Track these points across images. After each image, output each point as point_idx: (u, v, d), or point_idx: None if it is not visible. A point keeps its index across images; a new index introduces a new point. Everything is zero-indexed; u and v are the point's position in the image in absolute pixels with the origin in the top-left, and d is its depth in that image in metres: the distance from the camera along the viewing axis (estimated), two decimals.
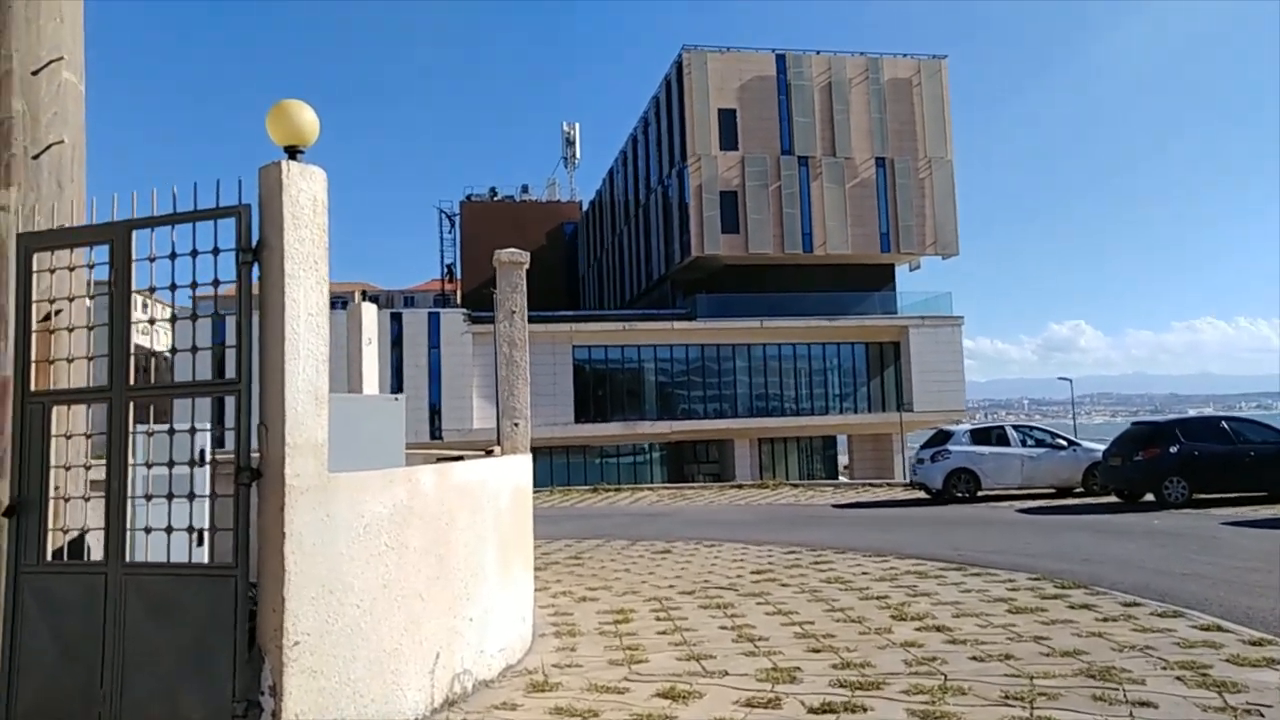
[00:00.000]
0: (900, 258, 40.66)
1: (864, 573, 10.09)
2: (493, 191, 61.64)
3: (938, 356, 39.39)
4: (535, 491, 24.56)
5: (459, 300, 52.72)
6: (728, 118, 38.58)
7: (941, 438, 18.78)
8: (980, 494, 18.05)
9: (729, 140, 38.53)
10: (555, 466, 38.85)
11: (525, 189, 63.14)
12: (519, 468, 6.98)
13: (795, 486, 24.07)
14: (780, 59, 39.22)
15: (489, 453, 7.98)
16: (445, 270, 59.40)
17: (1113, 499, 17.05)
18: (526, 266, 7.79)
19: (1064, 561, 10.42)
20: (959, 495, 17.93)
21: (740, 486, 24.45)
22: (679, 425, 38.82)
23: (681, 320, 38.67)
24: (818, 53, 39.54)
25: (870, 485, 23.49)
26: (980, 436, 18.39)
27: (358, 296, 57.76)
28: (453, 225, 59.58)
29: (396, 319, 37.38)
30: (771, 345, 39.65)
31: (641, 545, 13.43)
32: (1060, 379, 48.37)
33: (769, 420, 39.42)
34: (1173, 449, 15.22)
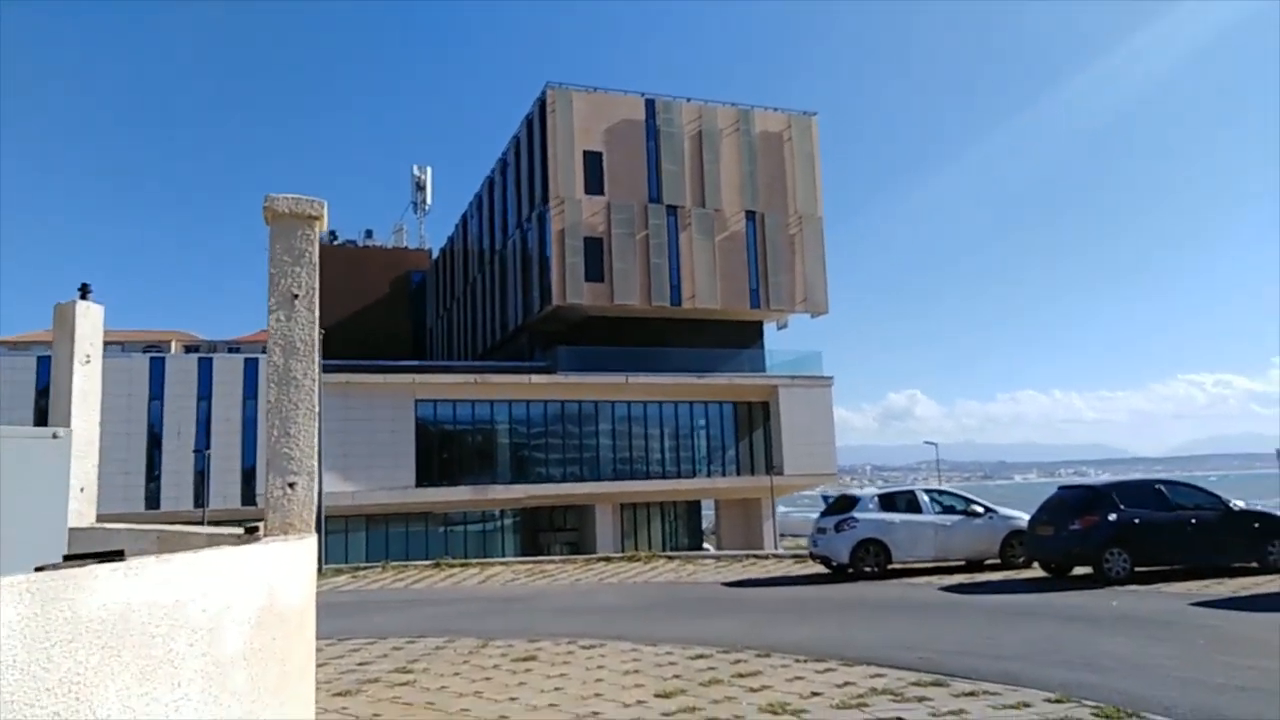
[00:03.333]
0: (770, 314, 39.17)
1: (814, 693, 7.24)
2: (332, 235, 56.81)
3: (808, 417, 37.81)
4: (365, 568, 19.92)
5: None
6: (593, 160, 36.30)
7: (845, 504, 16.41)
8: (891, 567, 15.71)
9: (594, 184, 36.19)
10: (392, 537, 34.37)
11: (369, 234, 58.79)
12: (288, 564, 3.73)
13: (670, 559, 21.18)
14: (650, 103, 37.49)
15: (250, 531, 4.68)
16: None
17: (1036, 572, 15.07)
18: (322, 225, 4.70)
19: (1064, 667, 7.94)
20: (867, 570, 15.50)
21: (608, 559, 21.33)
22: (534, 490, 35.29)
23: (539, 374, 35.47)
24: (688, 100, 38.12)
25: (755, 557, 20.90)
26: (889, 503, 16.13)
27: (174, 348, 51.40)
28: None
29: (206, 365, 32.24)
30: (636, 403, 36.97)
31: (497, 646, 10.09)
32: (926, 443, 48.56)
33: (632, 484, 36.48)
34: (1111, 516, 13.36)
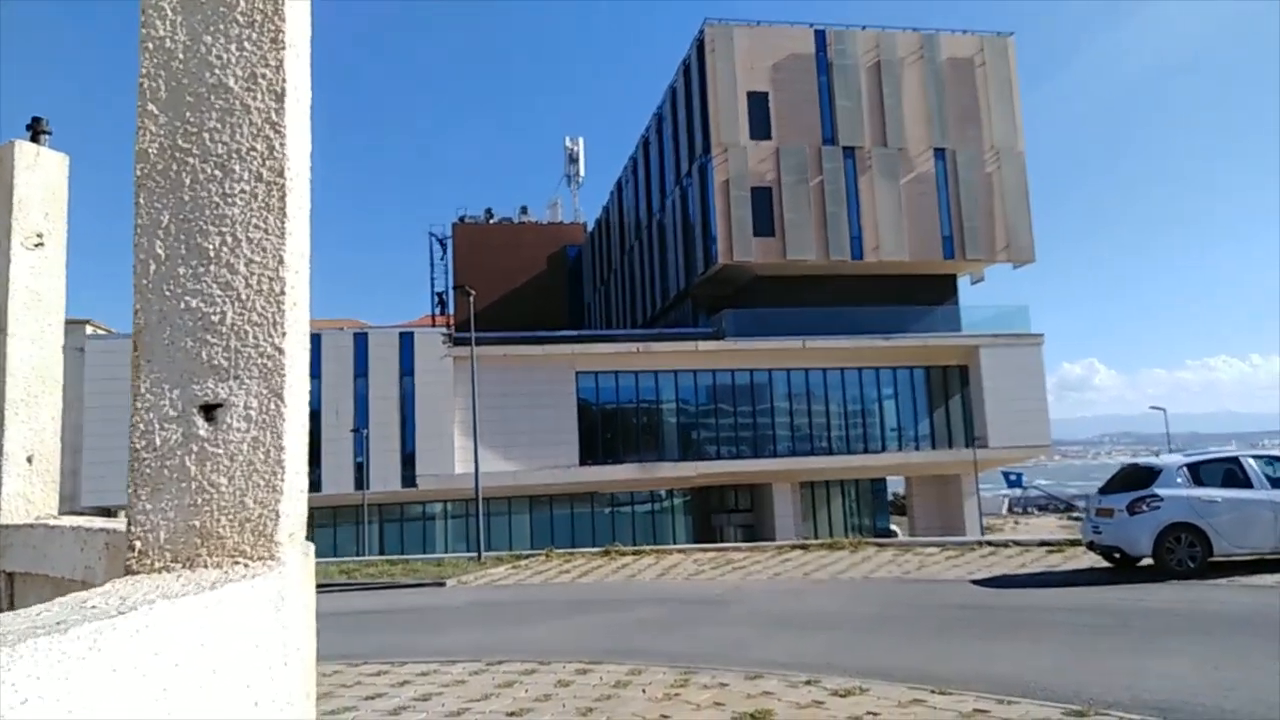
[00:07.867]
0: (965, 265, 34.40)
1: None
2: (488, 213, 55.95)
3: (1015, 382, 32.93)
4: (527, 556, 16.70)
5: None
6: (758, 102, 32.73)
7: (1139, 476, 12.39)
8: (1212, 560, 11.61)
9: (760, 129, 32.63)
10: (557, 520, 32.38)
11: (524, 210, 57.41)
12: None
13: (882, 547, 17.63)
14: (820, 35, 33.48)
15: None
16: (436, 299, 53.33)
17: None
18: None
19: None
20: (1176, 565, 11.49)
21: (804, 547, 18.06)
22: (705, 467, 32.40)
23: (707, 340, 32.41)
24: (863, 28, 33.85)
25: (991, 544, 17.05)
26: (1197, 475, 11.99)
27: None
28: (445, 250, 53.69)
29: (361, 340, 31.11)
30: (814, 370, 33.31)
31: (703, 684, 7.07)
32: (1153, 408, 41.92)
33: (812, 460, 32.90)
34: None
